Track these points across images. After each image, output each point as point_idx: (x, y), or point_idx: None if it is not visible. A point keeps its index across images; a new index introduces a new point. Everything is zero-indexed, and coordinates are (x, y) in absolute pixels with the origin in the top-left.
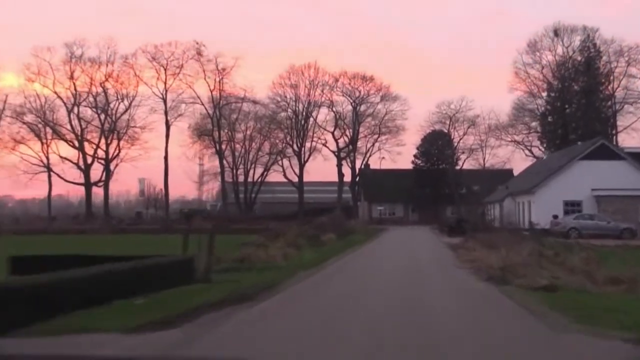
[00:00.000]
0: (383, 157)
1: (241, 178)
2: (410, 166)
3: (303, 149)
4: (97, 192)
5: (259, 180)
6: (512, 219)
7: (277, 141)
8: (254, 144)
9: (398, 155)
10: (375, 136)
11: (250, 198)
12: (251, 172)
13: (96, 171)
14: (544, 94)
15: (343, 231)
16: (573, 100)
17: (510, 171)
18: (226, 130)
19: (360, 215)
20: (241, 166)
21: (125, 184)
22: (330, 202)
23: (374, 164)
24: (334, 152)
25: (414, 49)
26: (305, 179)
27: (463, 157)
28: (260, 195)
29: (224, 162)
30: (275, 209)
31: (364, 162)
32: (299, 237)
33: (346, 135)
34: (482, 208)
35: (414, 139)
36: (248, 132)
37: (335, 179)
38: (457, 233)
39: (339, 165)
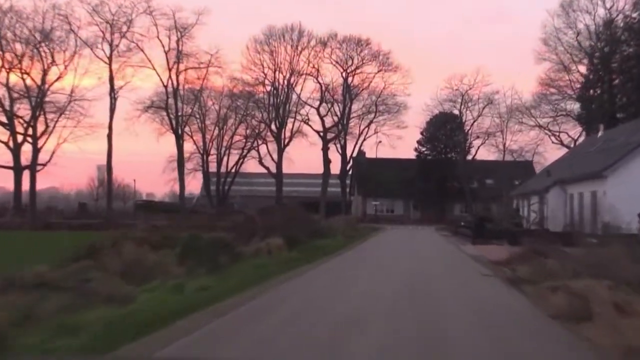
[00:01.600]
0: (380, 142)
1: (214, 166)
2: (412, 155)
3: (283, 130)
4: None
5: (234, 168)
6: (556, 215)
7: (254, 121)
8: (227, 125)
9: (398, 140)
10: (371, 116)
11: (223, 190)
12: (227, 159)
13: (43, 154)
14: (578, 65)
15: (307, 233)
16: (623, 68)
17: (529, 163)
18: (190, 107)
19: (353, 212)
20: (213, 151)
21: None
22: (318, 197)
23: (370, 151)
24: (318, 132)
25: (419, 10)
26: (289, 169)
27: (477, 143)
28: (238, 188)
29: (197, 147)
30: (255, 203)
31: (357, 148)
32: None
33: (335, 114)
34: (509, 203)
35: (417, 120)
36: (221, 110)
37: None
38: (484, 238)
39: (325, 150)
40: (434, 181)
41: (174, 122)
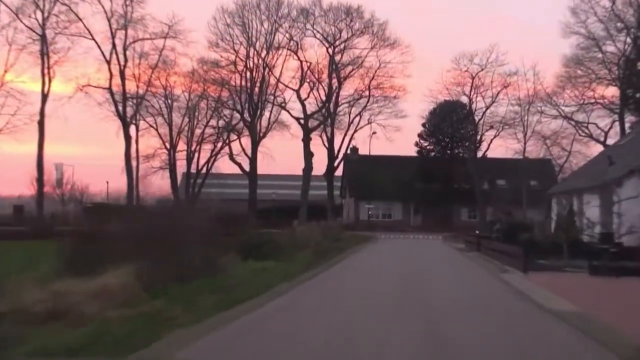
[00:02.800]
0: (374, 133)
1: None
2: (412, 151)
3: (258, 120)
4: None
5: (207, 166)
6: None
7: (225, 110)
8: (198, 116)
9: (396, 133)
10: (363, 102)
11: (193, 191)
12: (197, 156)
13: None
14: (613, 40)
15: (218, 252)
16: None
17: (546, 161)
18: (143, 90)
19: (344, 217)
20: (184, 147)
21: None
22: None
23: (363, 147)
24: (298, 119)
25: None
26: (270, 169)
27: (489, 135)
28: (219, 190)
29: (163, 142)
30: (234, 207)
31: (347, 142)
32: None
33: (319, 100)
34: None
35: (418, 108)
36: (190, 99)
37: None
38: (531, 258)
39: (306, 141)
40: (438, 181)
41: (120, 106)
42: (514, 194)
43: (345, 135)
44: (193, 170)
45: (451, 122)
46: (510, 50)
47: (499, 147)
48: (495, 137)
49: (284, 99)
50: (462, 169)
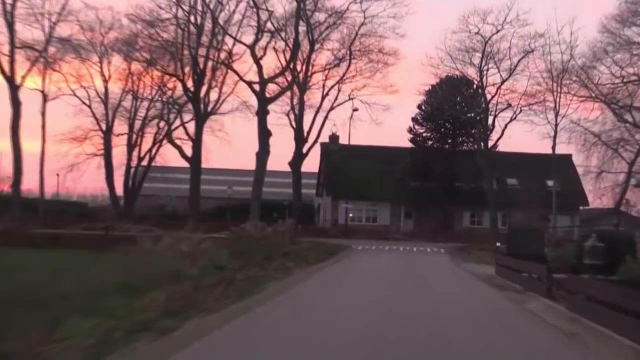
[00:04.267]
0: (356, 110)
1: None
2: (404, 140)
3: (207, 92)
4: None
5: (150, 154)
6: None
7: (164, 77)
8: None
9: (385, 113)
10: (341, 69)
11: (133, 185)
12: (140, 140)
13: None
14: None
15: None
16: None
17: (565, 158)
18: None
19: (321, 219)
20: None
21: None
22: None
23: (344, 136)
24: (249, 83)
25: None
26: (235, 165)
27: (504, 117)
28: (176, 186)
29: (97, 121)
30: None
31: (322, 123)
32: None
33: (281, 57)
34: None
35: (413, 83)
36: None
37: (308, 168)
38: None
39: (261, 113)
40: (437, 178)
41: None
42: (528, 195)
43: (318, 112)
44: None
45: (455, 103)
46: (534, 7)
47: (510, 139)
48: (512, 120)
49: (230, 54)
50: (467, 162)
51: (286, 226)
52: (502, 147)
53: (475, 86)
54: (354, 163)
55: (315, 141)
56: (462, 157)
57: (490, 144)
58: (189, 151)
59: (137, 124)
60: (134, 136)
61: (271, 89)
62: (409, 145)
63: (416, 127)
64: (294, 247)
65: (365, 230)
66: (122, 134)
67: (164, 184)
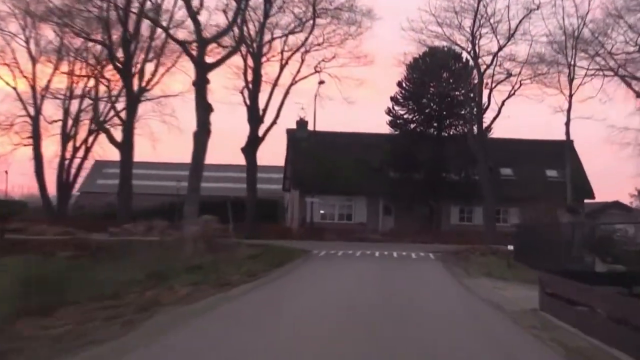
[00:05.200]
0: (322, 82)
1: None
2: (383, 126)
3: (143, 63)
4: None
5: (86, 144)
6: None
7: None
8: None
9: (359, 89)
10: (304, 32)
11: (67, 181)
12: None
13: None
14: None
15: None
16: None
17: (567, 144)
18: None
19: (288, 218)
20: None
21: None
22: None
23: (317, 121)
24: (181, 42)
25: None
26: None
27: (501, 92)
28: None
29: (23, 106)
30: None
31: (282, 100)
32: None
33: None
34: None
35: (390, 59)
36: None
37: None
38: None
39: (200, 82)
40: (420, 168)
41: None
42: (527, 188)
43: (275, 86)
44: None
45: (441, 80)
46: None
47: (509, 119)
48: (511, 94)
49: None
50: (455, 149)
51: (205, 224)
52: (496, 132)
53: (465, 59)
54: (325, 152)
55: (274, 122)
56: (449, 143)
57: (485, 126)
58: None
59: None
60: (70, 123)
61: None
62: (388, 130)
63: (396, 108)
64: (211, 258)
65: (337, 230)
66: (55, 121)
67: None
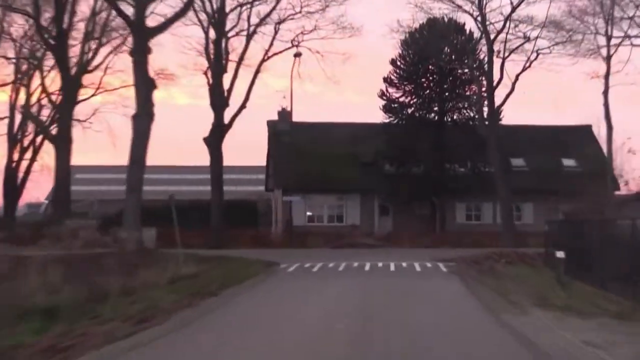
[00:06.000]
0: (298, 55)
1: None
2: (376, 113)
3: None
4: None
5: (33, 145)
6: None
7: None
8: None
9: (344, 67)
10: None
11: (14, 184)
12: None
13: None
14: None
15: None
16: None
17: (585, 128)
18: None
19: (273, 222)
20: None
21: None
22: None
23: (300, 110)
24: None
25: None
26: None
27: (514, 64)
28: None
29: None
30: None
31: (252, 80)
32: None
33: None
34: None
35: (383, 22)
36: None
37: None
38: None
39: (138, 53)
40: (420, 159)
41: None
42: (541, 180)
43: (241, 61)
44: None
45: (442, 56)
46: None
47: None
48: (525, 68)
49: None
50: (459, 137)
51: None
52: (505, 118)
53: (469, 31)
54: (311, 145)
55: (243, 106)
56: (453, 130)
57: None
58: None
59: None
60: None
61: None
62: (382, 119)
63: (390, 90)
64: (83, 290)
65: (326, 234)
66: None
67: (91, 187)
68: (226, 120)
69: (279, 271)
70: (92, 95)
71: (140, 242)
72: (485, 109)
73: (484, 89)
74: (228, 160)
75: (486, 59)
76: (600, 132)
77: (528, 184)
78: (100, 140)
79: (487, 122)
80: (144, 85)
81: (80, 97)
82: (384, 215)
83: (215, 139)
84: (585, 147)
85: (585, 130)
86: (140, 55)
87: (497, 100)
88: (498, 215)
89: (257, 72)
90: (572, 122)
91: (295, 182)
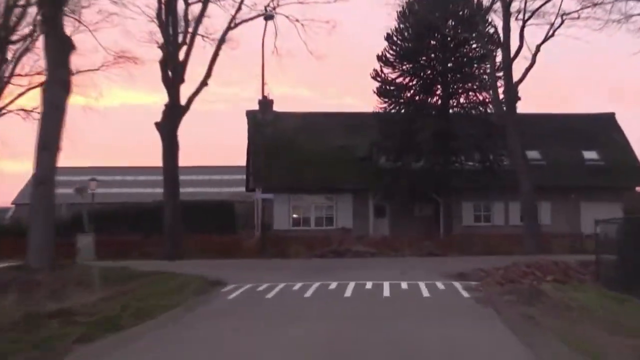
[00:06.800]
0: (270, 17)
1: None
2: (369, 102)
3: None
4: None
5: None
6: None
7: None
8: None
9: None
10: None
11: None
12: None
13: None
14: None
15: None
16: None
17: (609, 116)
18: None
19: (256, 225)
20: None
21: None
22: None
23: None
24: None
25: None
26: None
27: (538, 24)
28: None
29: None
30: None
31: (213, 55)
32: None
33: None
34: None
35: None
36: None
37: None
38: None
39: (49, 6)
40: (421, 153)
41: None
42: (560, 175)
43: (198, 25)
44: None
45: (445, 28)
46: None
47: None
48: (548, 37)
49: None
50: (467, 125)
51: None
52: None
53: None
54: (297, 138)
55: (204, 83)
56: (460, 117)
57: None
58: None
59: None
60: None
61: None
62: (377, 106)
63: (385, 70)
64: None
65: (311, 240)
66: None
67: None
68: (183, 101)
69: (214, 298)
70: None
71: (47, 253)
72: (501, 90)
73: (498, 64)
74: (207, 160)
75: (501, 24)
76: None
77: (545, 179)
78: None
79: (503, 105)
80: (55, 48)
81: None
82: (380, 217)
83: (169, 122)
84: (609, 137)
85: (608, 119)
86: (50, 10)
87: (515, 77)
88: (511, 215)
89: (222, 41)
90: (594, 110)
91: (278, 180)
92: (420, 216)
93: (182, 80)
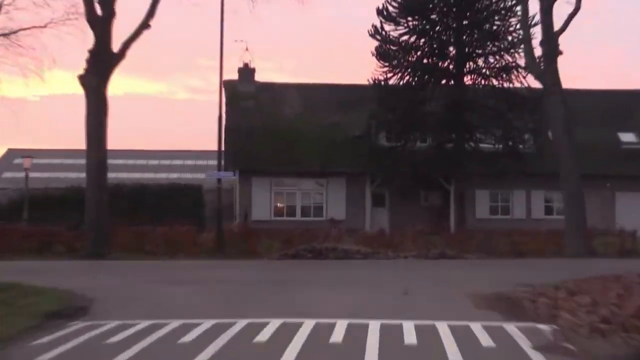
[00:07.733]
0: None
1: None
2: (364, 74)
3: None
4: None
5: None
6: None
7: None
8: None
9: None
10: None
11: None
12: None
13: None
14: None
15: None
16: None
17: (636, 93)
18: None
19: (237, 215)
20: None
21: None
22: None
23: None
24: None
25: None
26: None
27: None
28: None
29: None
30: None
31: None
32: None
33: None
34: None
35: None
36: None
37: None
38: None
39: None
40: (428, 130)
41: None
42: (593, 160)
43: None
44: None
45: None
46: None
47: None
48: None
49: None
50: (487, 96)
51: None
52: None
53: None
54: (282, 113)
55: (145, 24)
56: (477, 86)
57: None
58: None
59: None
60: None
61: None
62: (375, 72)
63: (387, 27)
64: None
65: (288, 233)
66: None
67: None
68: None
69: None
70: None
71: None
72: (540, 35)
73: (531, 14)
74: (184, 145)
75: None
76: None
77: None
78: None
79: (541, 63)
80: None
81: None
82: (379, 207)
83: (96, 73)
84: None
85: (637, 95)
86: None
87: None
88: (533, 207)
89: None
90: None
91: (259, 161)
92: (427, 206)
93: (112, 14)
